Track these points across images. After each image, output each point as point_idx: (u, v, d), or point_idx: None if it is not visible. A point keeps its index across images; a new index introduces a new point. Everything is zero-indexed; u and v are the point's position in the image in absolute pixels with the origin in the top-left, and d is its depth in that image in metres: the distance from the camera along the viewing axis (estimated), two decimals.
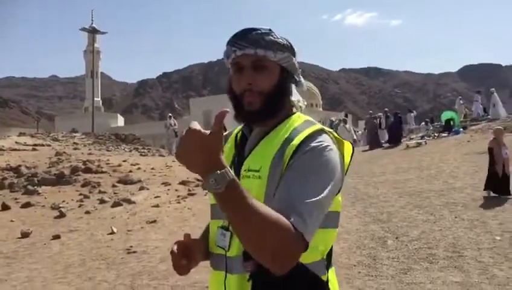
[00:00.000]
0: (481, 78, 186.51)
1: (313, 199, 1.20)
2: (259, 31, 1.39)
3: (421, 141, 19.31)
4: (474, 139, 16.83)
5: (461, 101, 27.50)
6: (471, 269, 5.06)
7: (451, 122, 21.84)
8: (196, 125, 1.13)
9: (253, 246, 1.15)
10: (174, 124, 20.15)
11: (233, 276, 1.36)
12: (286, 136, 1.34)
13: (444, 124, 22.51)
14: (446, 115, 23.07)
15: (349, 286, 4.86)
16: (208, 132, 1.11)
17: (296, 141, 1.31)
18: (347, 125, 17.84)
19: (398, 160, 15.24)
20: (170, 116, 21.05)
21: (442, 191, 9.38)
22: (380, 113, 24.97)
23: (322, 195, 1.22)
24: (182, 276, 1.46)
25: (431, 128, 22.52)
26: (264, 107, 1.38)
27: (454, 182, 10.13)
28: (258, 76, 1.38)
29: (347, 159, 1.42)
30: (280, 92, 1.40)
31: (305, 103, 1.52)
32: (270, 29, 1.41)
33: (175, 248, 1.43)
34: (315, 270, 1.33)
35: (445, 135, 20.63)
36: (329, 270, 1.41)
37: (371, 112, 24.89)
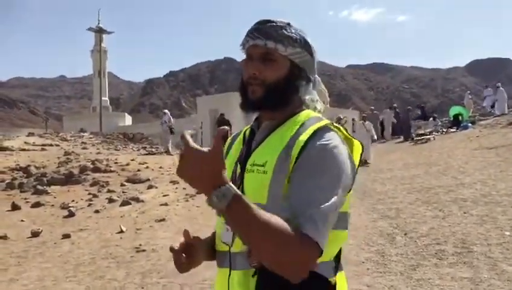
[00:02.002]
0: (490, 72, 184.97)
1: (327, 204, 1.19)
2: (274, 23, 1.38)
3: (429, 136, 19.21)
4: (483, 134, 16.71)
5: (470, 96, 27.34)
6: (480, 265, 5.04)
7: (460, 118, 21.72)
8: (191, 141, 1.12)
9: (262, 256, 1.15)
10: (169, 121, 19.46)
11: (237, 272, 1.35)
12: (293, 131, 1.33)
13: (452, 119, 22.40)
14: (454, 110, 22.96)
15: (357, 283, 4.86)
16: (206, 149, 1.11)
17: (303, 137, 1.28)
18: (366, 123, 16.42)
19: (406, 156, 15.20)
20: (165, 113, 20.19)
21: (451, 186, 9.33)
22: (385, 110, 24.90)
23: (334, 198, 1.21)
24: (183, 273, 1.45)
25: (439, 123, 22.40)
26: (266, 97, 1.37)
27: (463, 178, 10.07)
28: (264, 67, 1.37)
29: (356, 157, 1.39)
30: (285, 86, 1.38)
31: (322, 105, 1.49)
32: (288, 23, 1.39)
33: (176, 245, 1.42)
34: (321, 271, 1.30)
35: (454, 130, 20.51)
36: (338, 274, 1.38)
37: (372, 107, 24.88)
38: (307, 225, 1.14)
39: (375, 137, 16.68)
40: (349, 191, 1.36)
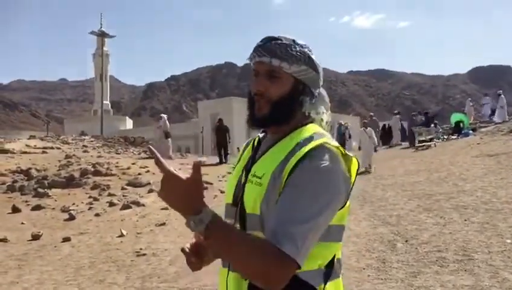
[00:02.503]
0: (491, 79, 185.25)
1: (309, 222, 1.24)
2: (279, 41, 1.42)
3: (430, 143, 19.21)
4: (484, 141, 16.71)
5: (471, 103, 27.39)
6: (481, 273, 5.03)
7: (461, 125, 21.73)
8: (168, 167, 1.21)
9: (242, 272, 1.27)
10: (165, 125, 19.06)
11: (232, 273, 1.41)
12: (291, 148, 1.37)
13: (453, 126, 22.42)
14: (456, 117, 22.98)
15: None
16: (185, 177, 1.19)
17: (299, 155, 1.32)
18: (367, 129, 15.71)
19: (407, 162, 15.18)
20: (161, 117, 19.82)
21: (452, 193, 9.32)
22: (394, 117, 24.83)
23: (318, 217, 1.26)
24: (195, 272, 1.52)
25: (440, 130, 22.41)
26: (272, 114, 1.42)
27: (464, 185, 10.06)
28: (270, 84, 1.42)
29: (353, 174, 1.43)
30: (289, 102, 1.42)
31: (328, 116, 1.54)
32: (293, 40, 1.44)
33: (187, 245, 1.49)
34: (307, 278, 1.33)
35: (455, 137, 20.51)
36: (330, 282, 1.39)
37: (371, 114, 24.90)
38: (285, 243, 1.20)
39: (376, 143, 16.37)
40: (344, 205, 1.39)
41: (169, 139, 19.29)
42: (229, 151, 18.53)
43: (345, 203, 1.40)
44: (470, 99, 28.81)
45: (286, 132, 1.44)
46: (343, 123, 26.06)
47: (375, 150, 15.89)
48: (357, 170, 1.45)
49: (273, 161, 1.38)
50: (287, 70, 1.41)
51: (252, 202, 1.36)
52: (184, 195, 1.18)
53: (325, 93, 1.56)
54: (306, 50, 1.45)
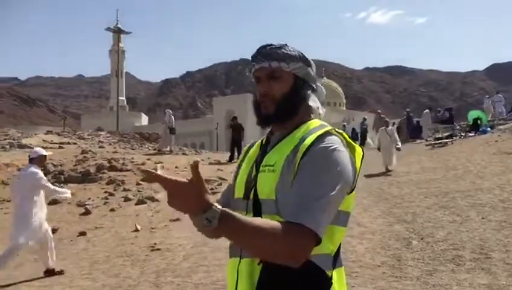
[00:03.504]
0: (509, 76, 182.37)
1: (324, 198, 1.34)
2: (273, 46, 1.56)
3: (447, 140, 18.99)
4: (502, 138, 16.44)
5: (489, 100, 26.97)
6: (499, 271, 4.95)
7: (479, 122, 21.44)
8: (164, 175, 1.26)
9: (265, 255, 1.32)
10: (170, 121, 18.84)
11: (245, 260, 1.47)
12: (300, 137, 1.48)
13: (471, 123, 22.13)
14: (473, 114, 22.67)
15: (373, 287, 4.81)
16: (185, 180, 1.24)
17: (308, 141, 1.44)
18: (389, 128, 14.36)
19: (423, 159, 15.02)
20: (165, 113, 19.59)
21: (469, 191, 9.19)
22: (425, 112, 24.47)
23: (332, 193, 1.35)
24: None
25: (457, 127, 22.13)
26: (278, 111, 1.54)
27: (481, 183, 9.92)
28: (272, 85, 1.55)
29: (358, 161, 1.50)
30: (293, 98, 1.55)
31: (324, 110, 1.64)
32: (285, 44, 1.57)
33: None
34: (318, 262, 1.40)
35: (472, 134, 20.25)
36: (336, 270, 1.47)
37: (379, 111, 24.63)
38: (302, 214, 1.30)
39: (399, 144, 14.13)
40: (351, 192, 1.49)
41: (173, 135, 19.16)
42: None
43: (352, 189, 1.49)
44: (488, 96, 28.35)
45: (292, 127, 1.55)
46: (366, 118, 26.08)
47: (399, 149, 13.93)
48: (362, 158, 1.53)
49: (283, 150, 1.48)
50: (286, 69, 1.54)
51: (268, 188, 1.44)
52: (188, 197, 1.24)
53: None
54: (298, 51, 1.58)
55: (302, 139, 1.46)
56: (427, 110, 24.70)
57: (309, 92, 1.59)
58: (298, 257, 1.29)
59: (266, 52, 1.55)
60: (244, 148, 1.78)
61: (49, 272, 6.17)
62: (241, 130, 18.16)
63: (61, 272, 6.19)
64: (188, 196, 1.24)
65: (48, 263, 6.18)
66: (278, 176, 1.43)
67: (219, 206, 1.24)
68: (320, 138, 1.44)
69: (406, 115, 25.33)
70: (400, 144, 14.12)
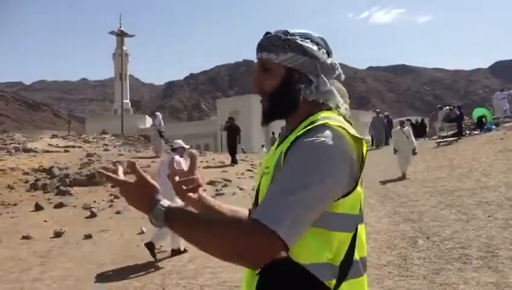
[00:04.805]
0: None
1: (294, 194, 1.17)
2: (268, 35, 1.43)
3: (452, 138, 18.93)
4: (507, 136, 16.37)
5: (499, 97, 26.74)
6: (506, 269, 4.92)
7: (484, 120, 21.35)
8: (116, 176, 1.34)
9: (216, 254, 1.22)
10: (160, 124, 18.17)
11: (247, 270, 1.37)
12: (297, 133, 1.32)
13: (476, 121, 22.04)
14: (478, 112, 22.58)
15: (379, 286, 4.79)
16: (132, 181, 1.31)
17: (295, 133, 1.31)
18: (405, 128, 12.95)
19: (428, 158, 14.98)
20: (156, 115, 18.97)
21: (475, 189, 9.16)
22: (444, 108, 24.18)
23: (305, 190, 1.18)
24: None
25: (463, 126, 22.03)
26: (271, 107, 1.43)
27: (487, 181, 9.88)
28: (264, 78, 1.42)
29: (353, 157, 1.29)
30: (284, 93, 1.39)
31: (346, 106, 1.47)
32: (285, 31, 1.41)
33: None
34: (315, 271, 1.24)
35: (477, 132, 20.17)
36: (345, 282, 1.29)
37: (378, 110, 24.53)
38: (262, 213, 1.17)
39: (415, 145, 12.74)
40: (350, 192, 1.29)
41: (162, 139, 18.40)
42: (243, 149, 17.45)
43: (352, 189, 1.29)
44: (497, 93, 28.06)
45: (296, 124, 1.39)
46: (385, 114, 26.10)
47: (415, 153, 12.57)
48: (363, 155, 1.34)
49: (282, 148, 1.35)
50: (275, 61, 1.39)
51: (264, 192, 1.32)
52: (137, 197, 1.31)
53: (326, 80, 1.43)
54: (296, 38, 1.39)
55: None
56: (446, 107, 24.17)
57: (303, 85, 1.38)
58: (252, 259, 1.17)
59: (260, 42, 1.43)
60: (272, 148, 1.54)
61: (176, 252, 6.80)
62: (237, 132, 17.32)
63: (185, 251, 6.83)
64: (137, 195, 1.30)
65: (179, 243, 6.77)
66: (270, 177, 1.32)
67: (165, 205, 1.27)
68: (311, 130, 1.27)
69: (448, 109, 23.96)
70: (415, 144, 12.76)
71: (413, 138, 12.72)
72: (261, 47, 1.42)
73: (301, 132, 1.29)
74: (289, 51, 1.38)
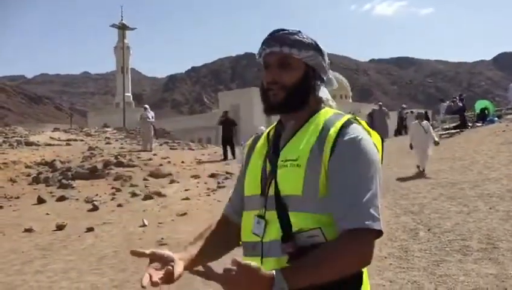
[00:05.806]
0: None
1: (372, 190, 1.34)
2: (286, 31, 1.50)
3: (454, 131, 18.88)
4: (509, 128, 16.33)
5: None
6: (506, 261, 4.93)
7: (486, 112, 21.28)
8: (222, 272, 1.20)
9: (341, 276, 1.30)
10: (152, 117, 17.79)
11: (269, 259, 1.40)
12: (320, 127, 1.43)
13: (478, 113, 21.96)
14: (480, 104, 22.48)
15: (380, 278, 4.81)
16: (233, 273, 1.18)
17: (333, 133, 1.39)
18: (424, 122, 12.15)
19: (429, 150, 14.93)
20: (145, 108, 18.53)
21: (477, 182, 9.15)
22: (453, 99, 23.82)
23: (376, 185, 1.36)
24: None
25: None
26: (288, 100, 1.47)
27: (488, 173, 9.87)
28: (282, 72, 1.48)
29: (379, 148, 1.47)
30: (303, 87, 1.48)
31: (335, 103, 1.58)
32: (299, 31, 1.51)
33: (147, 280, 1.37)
34: None
35: (480, 124, 20.12)
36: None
37: (380, 103, 24.36)
38: (358, 215, 1.30)
39: (437, 139, 12.16)
40: None
41: (154, 134, 18.20)
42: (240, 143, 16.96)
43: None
44: None
45: (305, 118, 1.49)
46: (404, 106, 26.00)
47: (437, 143, 11.98)
48: (382, 144, 1.50)
49: (305, 142, 1.43)
50: (297, 57, 1.47)
51: (292, 184, 1.39)
52: (250, 284, 1.19)
53: (334, 79, 1.61)
54: (311, 38, 1.51)
55: (325, 129, 1.41)
56: (455, 98, 23.83)
57: (318, 82, 1.52)
58: (368, 259, 1.33)
59: (279, 36, 1.48)
60: (248, 142, 1.69)
61: None
62: (233, 126, 17.07)
63: None
64: (247, 285, 1.19)
65: None
66: (304, 171, 1.38)
67: (278, 271, 1.22)
68: (344, 128, 1.40)
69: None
70: (436, 138, 12.20)
71: (432, 133, 12.17)
72: (282, 41, 1.47)
73: (335, 134, 1.39)
74: (311, 49, 1.49)
